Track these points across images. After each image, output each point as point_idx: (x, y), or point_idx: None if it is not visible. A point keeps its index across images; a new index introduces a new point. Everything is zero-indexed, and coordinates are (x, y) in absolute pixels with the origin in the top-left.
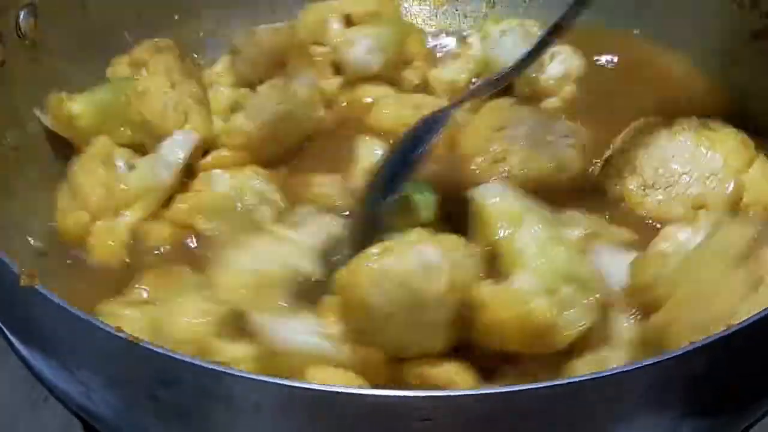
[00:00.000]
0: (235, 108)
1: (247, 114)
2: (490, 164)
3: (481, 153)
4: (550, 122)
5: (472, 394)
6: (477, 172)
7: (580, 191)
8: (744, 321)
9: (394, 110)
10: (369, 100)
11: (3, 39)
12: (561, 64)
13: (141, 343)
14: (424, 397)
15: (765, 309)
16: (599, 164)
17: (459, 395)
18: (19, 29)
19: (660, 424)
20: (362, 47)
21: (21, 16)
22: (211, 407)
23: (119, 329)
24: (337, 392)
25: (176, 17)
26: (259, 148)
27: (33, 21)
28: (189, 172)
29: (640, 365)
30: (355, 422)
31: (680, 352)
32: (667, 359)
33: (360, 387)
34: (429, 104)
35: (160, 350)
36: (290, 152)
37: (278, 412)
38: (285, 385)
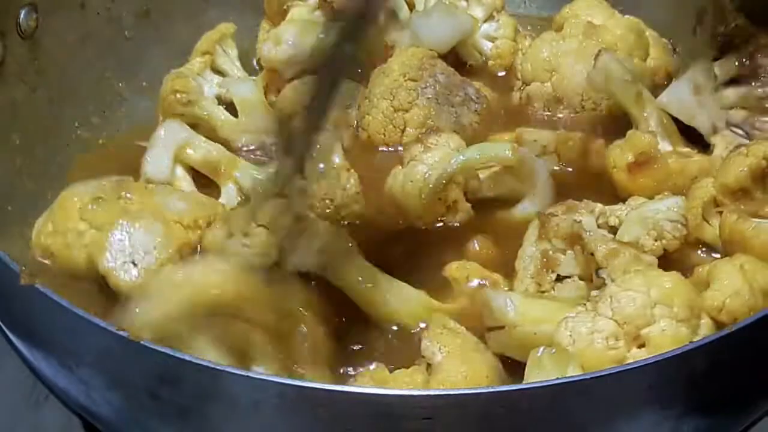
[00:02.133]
0: (215, 172)
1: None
2: (391, 113)
3: (387, 97)
4: (462, 83)
5: (473, 394)
6: (379, 116)
7: None
8: (744, 321)
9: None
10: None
11: (4, 37)
12: (493, 26)
13: (141, 341)
14: (424, 396)
15: (765, 310)
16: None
17: (459, 394)
18: (20, 28)
19: (660, 423)
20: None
21: (21, 15)
22: (211, 406)
23: (120, 328)
24: (337, 391)
25: (177, 16)
26: None
27: (33, 20)
28: None
29: (640, 364)
30: (355, 422)
31: (680, 352)
32: (668, 359)
33: (360, 387)
34: None
35: (160, 348)
36: None
37: (278, 410)
38: (285, 384)
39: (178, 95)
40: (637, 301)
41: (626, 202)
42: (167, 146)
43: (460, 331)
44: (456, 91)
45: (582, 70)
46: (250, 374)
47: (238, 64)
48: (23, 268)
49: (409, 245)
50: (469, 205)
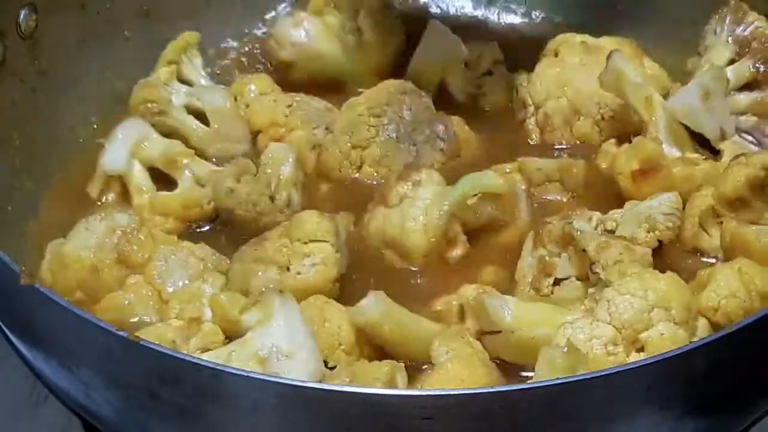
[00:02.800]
0: (172, 165)
1: (209, 191)
2: (349, 149)
3: (347, 133)
4: (430, 121)
5: (473, 394)
6: (337, 151)
7: None
8: (744, 321)
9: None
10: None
11: (3, 37)
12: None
13: (141, 342)
14: (424, 396)
15: (764, 310)
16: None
17: (459, 394)
18: (20, 28)
19: (660, 424)
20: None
21: (21, 15)
22: (211, 406)
23: (119, 328)
24: (338, 392)
25: (177, 16)
26: (201, 218)
27: (33, 20)
28: None
29: (639, 365)
30: (356, 422)
31: (679, 352)
32: (667, 359)
33: (360, 387)
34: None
35: (159, 348)
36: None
37: (278, 411)
38: (284, 384)
39: (149, 105)
40: (634, 305)
41: (623, 207)
42: (125, 140)
43: (475, 345)
44: (421, 129)
45: (593, 80)
46: (250, 374)
47: (203, 72)
48: (23, 268)
49: (409, 283)
50: (465, 237)
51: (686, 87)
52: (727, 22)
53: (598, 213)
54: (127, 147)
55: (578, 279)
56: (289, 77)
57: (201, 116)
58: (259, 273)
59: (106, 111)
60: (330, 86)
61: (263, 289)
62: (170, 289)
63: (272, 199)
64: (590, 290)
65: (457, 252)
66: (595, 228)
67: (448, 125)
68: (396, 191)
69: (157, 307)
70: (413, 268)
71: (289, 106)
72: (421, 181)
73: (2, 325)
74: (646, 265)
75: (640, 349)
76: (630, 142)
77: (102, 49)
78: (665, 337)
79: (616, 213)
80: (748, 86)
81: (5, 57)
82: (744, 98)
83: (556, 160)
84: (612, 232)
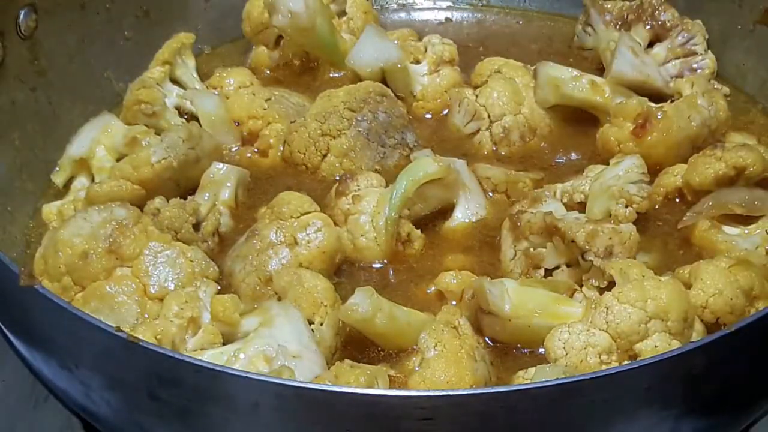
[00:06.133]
0: (133, 142)
1: (158, 149)
2: (318, 135)
3: (319, 119)
4: (403, 128)
5: (473, 394)
6: (305, 135)
7: None
8: (744, 321)
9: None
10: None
11: (3, 38)
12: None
13: (140, 343)
14: (424, 397)
15: (764, 309)
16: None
17: (459, 395)
18: (20, 28)
19: (659, 424)
20: None
21: (21, 15)
22: (209, 406)
23: (119, 329)
24: (337, 392)
25: (177, 16)
26: (158, 186)
27: (33, 20)
28: None
29: (639, 365)
30: (356, 422)
31: (679, 353)
32: (667, 359)
33: (360, 387)
34: (280, 97)
35: (159, 349)
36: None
37: (277, 411)
38: (284, 385)
39: (143, 106)
40: (632, 317)
41: (584, 173)
42: (91, 130)
43: (464, 332)
44: (392, 133)
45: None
46: (249, 374)
47: (195, 75)
48: (23, 269)
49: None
50: (419, 231)
51: (618, 52)
52: (595, 16)
53: (560, 185)
54: (92, 135)
55: (568, 265)
56: (264, 62)
57: (190, 117)
58: (272, 256)
59: (106, 111)
60: (302, 71)
61: (285, 268)
62: (154, 285)
63: (197, 227)
64: (591, 282)
65: (414, 248)
66: (562, 200)
67: (416, 138)
68: (339, 209)
69: (139, 300)
70: (380, 265)
71: (268, 99)
72: (360, 194)
73: (2, 326)
74: (635, 245)
75: (633, 358)
76: None
77: (102, 49)
78: (659, 349)
79: (579, 183)
80: (655, 40)
81: (5, 57)
82: (659, 50)
83: (505, 172)
84: (581, 203)
